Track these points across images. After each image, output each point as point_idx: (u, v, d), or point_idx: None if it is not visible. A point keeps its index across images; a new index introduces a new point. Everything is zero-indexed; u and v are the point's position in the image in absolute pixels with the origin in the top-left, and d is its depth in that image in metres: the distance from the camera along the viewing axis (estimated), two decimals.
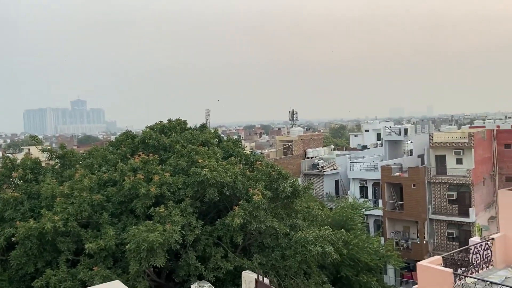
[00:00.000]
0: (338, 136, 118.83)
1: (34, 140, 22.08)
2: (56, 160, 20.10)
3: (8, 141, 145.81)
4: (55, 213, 15.06)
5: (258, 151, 44.88)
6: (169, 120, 22.36)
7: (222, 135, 28.40)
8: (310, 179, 40.58)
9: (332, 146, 58.14)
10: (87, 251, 14.72)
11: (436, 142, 35.94)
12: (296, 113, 62.64)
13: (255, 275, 11.66)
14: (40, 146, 20.66)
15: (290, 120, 62.87)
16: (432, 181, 35.39)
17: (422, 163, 37.56)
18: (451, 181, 34.71)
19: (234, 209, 15.94)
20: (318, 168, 42.16)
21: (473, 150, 34.26)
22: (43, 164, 20.34)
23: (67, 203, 15.60)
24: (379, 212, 36.65)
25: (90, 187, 16.49)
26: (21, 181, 18.51)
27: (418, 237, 35.89)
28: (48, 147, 21.56)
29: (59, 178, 18.47)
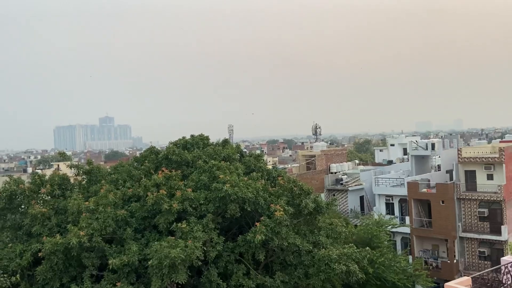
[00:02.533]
0: (363, 151, 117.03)
1: (61, 156, 22.76)
2: (83, 176, 20.60)
3: (39, 157, 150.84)
4: (81, 229, 15.35)
5: (281, 166, 44.74)
6: (192, 136, 22.62)
7: (245, 150, 28.50)
8: (334, 195, 40.01)
9: (357, 161, 57.25)
10: (110, 267, 14.90)
11: (465, 157, 34.88)
12: (319, 128, 62.31)
13: None
14: (68, 162, 21.25)
15: (313, 134, 62.54)
16: (461, 197, 34.27)
17: (451, 178, 36.48)
18: (482, 198, 33.50)
19: (256, 225, 15.84)
20: (342, 184, 41.52)
21: (504, 165, 33.06)
22: (71, 180, 20.88)
23: (92, 219, 15.89)
24: (406, 230, 35.63)
25: (115, 202, 16.76)
26: (49, 197, 19.01)
27: (448, 255, 34.63)
28: (76, 163, 22.17)
29: (85, 194, 18.88)
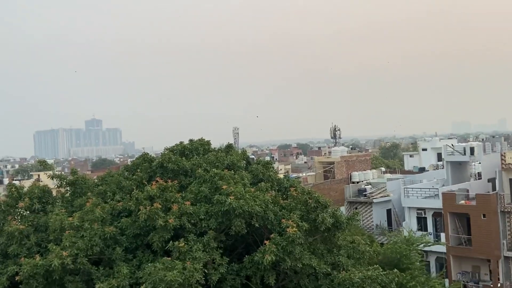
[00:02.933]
0: (390, 157, 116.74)
1: (42, 165, 23.00)
2: (67, 188, 20.78)
3: (17, 166, 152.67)
4: (64, 248, 15.44)
5: (294, 175, 44.70)
6: (191, 141, 22.75)
7: (252, 156, 28.58)
8: (356, 208, 39.91)
9: (383, 169, 57.27)
10: None
11: (510, 163, 34.64)
12: (339, 130, 62.55)
13: None
14: (50, 172, 21.46)
15: (331, 138, 62.82)
16: (506, 210, 34.01)
17: (494, 188, 36.29)
18: None
19: (265, 243, 15.85)
20: (365, 195, 41.46)
21: None
22: (54, 192, 21.05)
23: (77, 237, 15.99)
24: (441, 248, 35.48)
25: (102, 218, 16.86)
26: (28, 212, 19.19)
27: (490, 278, 34.35)
28: (58, 172, 22.39)
29: (69, 208, 19.03)
